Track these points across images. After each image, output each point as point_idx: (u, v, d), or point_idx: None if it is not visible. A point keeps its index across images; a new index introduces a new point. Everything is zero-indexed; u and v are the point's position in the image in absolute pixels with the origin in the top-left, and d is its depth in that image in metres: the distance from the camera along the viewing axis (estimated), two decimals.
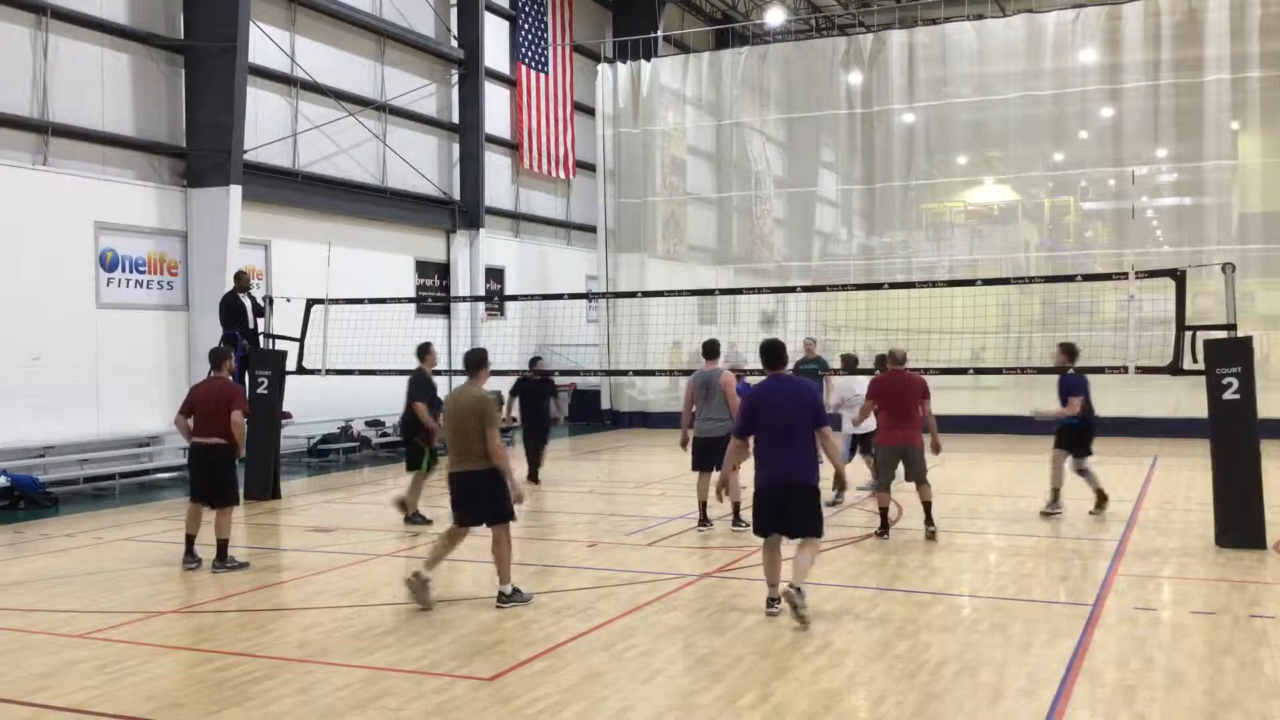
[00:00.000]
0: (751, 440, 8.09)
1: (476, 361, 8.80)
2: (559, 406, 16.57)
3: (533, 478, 15.52)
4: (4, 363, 15.19)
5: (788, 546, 8.07)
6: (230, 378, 10.58)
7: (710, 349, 11.84)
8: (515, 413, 15.69)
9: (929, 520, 10.97)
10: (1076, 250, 25.99)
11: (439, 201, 23.80)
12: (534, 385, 15.78)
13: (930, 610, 8.27)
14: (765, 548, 8.13)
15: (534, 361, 16.73)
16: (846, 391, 13.82)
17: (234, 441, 10.16)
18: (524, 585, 8.69)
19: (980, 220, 27.33)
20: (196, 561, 10.08)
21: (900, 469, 11.03)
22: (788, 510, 7.92)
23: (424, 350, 12.56)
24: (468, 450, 8.37)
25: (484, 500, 8.43)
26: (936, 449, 11.30)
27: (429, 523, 11.99)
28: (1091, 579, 9.19)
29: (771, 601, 8.05)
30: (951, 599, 8.75)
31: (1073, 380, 12.01)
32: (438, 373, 12.70)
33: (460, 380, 9.04)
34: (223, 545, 10.04)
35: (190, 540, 10.17)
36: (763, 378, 8.49)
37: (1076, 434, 12.12)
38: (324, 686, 6.59)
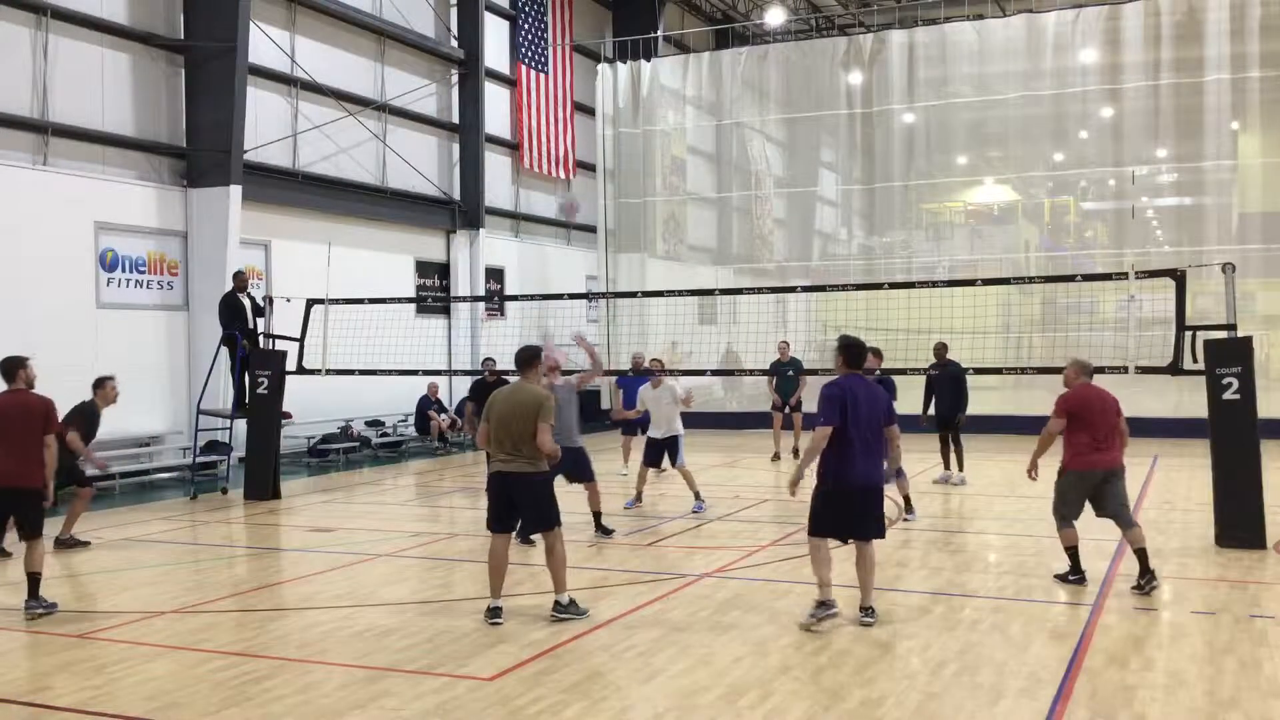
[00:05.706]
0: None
1: (527, 359, 8.03)
2: None
3: None
4: None
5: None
6: (30, 388, 8.71)
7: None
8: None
9: (1148, 570, 8.69)
10: (1076, 250, 26.03)
11: (439, 201, 23.79)
12: (492, 388, 13.99)
13: (930, 610, 8.26)
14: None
15: (486, 361, 15.13)
16: (664, 395, 13.19)
17: (43, 481, 8.33)
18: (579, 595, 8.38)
19: (980, 220, 27.37)
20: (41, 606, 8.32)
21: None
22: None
23: (100, 384, 11.26)
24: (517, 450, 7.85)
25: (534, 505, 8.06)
26: None
27: (87, 545, 11.19)
28: (1091, 579, 9.19)
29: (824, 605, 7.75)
30: (951, 599, 8.74)
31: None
32: (437, 373, 12.17)
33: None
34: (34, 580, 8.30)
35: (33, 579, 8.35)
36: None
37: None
38: (324, 686, 6.59)
